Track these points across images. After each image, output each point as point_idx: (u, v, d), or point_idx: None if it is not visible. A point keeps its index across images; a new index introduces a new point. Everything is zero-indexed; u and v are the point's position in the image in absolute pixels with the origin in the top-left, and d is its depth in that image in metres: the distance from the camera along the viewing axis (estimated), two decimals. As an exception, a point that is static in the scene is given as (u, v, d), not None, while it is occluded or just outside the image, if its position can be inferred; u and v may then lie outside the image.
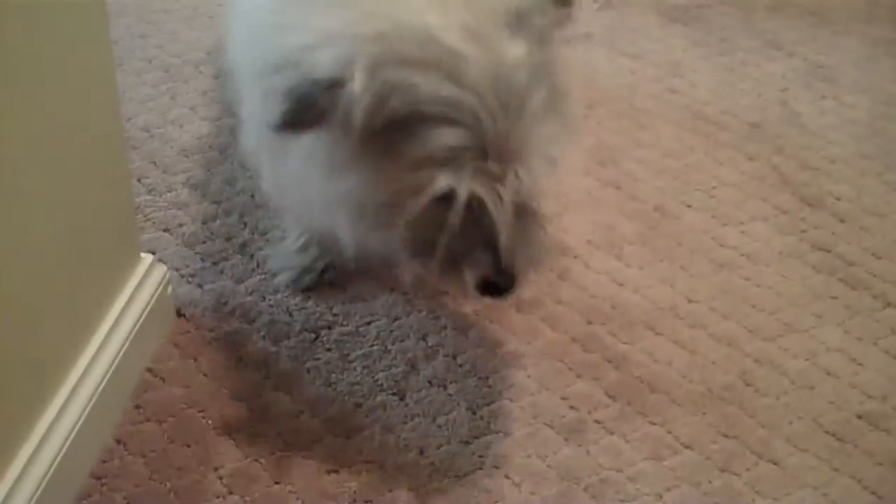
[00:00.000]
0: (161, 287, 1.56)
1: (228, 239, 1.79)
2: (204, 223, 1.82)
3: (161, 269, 1.58)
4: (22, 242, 1.17)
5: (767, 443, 1.49)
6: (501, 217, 1.17)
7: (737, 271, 1.79)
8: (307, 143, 1.21)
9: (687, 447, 1.47)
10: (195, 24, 2.46)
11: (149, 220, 1.82)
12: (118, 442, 1.43)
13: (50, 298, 1.27)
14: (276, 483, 1.39)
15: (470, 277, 1.23)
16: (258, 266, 1.73)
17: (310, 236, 1.67)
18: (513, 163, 1.15)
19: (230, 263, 1.74)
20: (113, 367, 1.41)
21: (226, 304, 1.66)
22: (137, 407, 1.48)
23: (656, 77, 2.37)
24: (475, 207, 1.17)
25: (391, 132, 1.13)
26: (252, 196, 1.88)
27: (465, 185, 1.13)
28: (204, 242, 1.78)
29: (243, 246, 1.77)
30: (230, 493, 1.37)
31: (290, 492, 1.38)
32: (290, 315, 1.64)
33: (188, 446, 1.43)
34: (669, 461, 1.45)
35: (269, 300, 1.67)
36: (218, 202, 1.87)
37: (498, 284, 1.23)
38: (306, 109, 1.10)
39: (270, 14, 1.26)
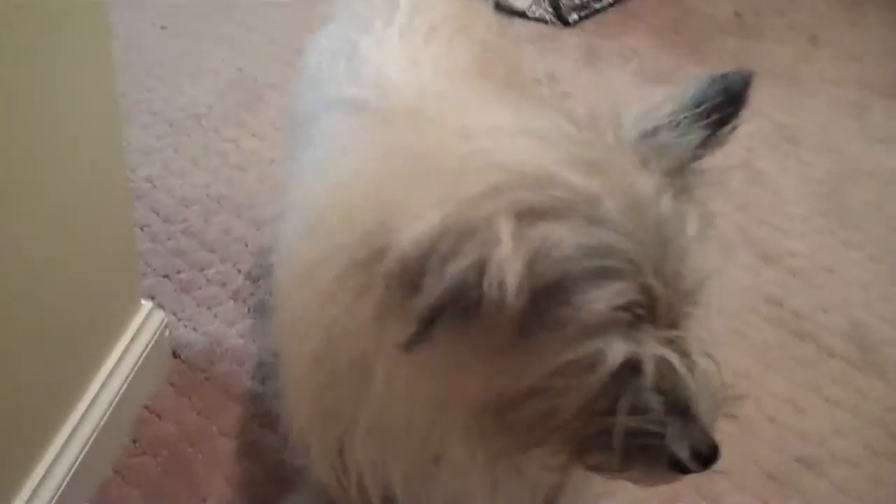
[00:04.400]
0: (159, 331, 1.70)
1: (223, 285, 1.93)
2: (200, 270, 1.96)
3: (159, 315, 1.71)
4: (31, 289, 1.30)
5: (710, 482, 1.62)
6: (697, 382, 0.95)
7: (693, 322, 1.93)
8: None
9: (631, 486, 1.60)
10: (199, 80, 2.61)
11: (149, 266, 1.96)
12: (116, 473, 1.57)
13: (56, 342, 1.40)
14: (261, 514, 1.53)
15: (678, 454, 0.96)
16: (249, 311, 1.88)
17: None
18: (688, 310, 0.94)
19: (223, 308, 1.88)
20: (113, 404, 1.55)
21: (219, 346, 1.80)
22: (135, 441, 1.62)
23: (631, 135, 2.51)
24: (660, 373, 0.93)
25: (539, 304, 0.87)
26: (246, 245, 2.03)
27: (649, 349, 0.91)
28: (200, 288, 1.92)
29: (236, 292, 1.92)
30: (218, 521, 1.51)
31: (273, 522, 1.52)
32: (277, 357, 1.78)
33: (180, 478, 1.57)
34: (617, 495, 1.58)
35: (259, 343, 1.81)
36: (214, 250, 2.01)
37: (703, 456, 0.98)
38: (460, 298, 0.83)
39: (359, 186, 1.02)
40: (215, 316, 1.87)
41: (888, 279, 2.08)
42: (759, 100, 2.64)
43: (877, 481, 1.64)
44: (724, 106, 0.97)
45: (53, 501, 1.39)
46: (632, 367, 0.92)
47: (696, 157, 0.97)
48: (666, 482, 1.01)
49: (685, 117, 0.95)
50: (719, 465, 1.01)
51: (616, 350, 0.89)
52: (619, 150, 0.94)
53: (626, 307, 0.88)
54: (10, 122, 1.17)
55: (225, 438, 1.64)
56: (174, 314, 1.85)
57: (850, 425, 1.74)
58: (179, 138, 2.37)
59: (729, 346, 1.88)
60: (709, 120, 0.96)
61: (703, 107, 0.96)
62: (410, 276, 0.84)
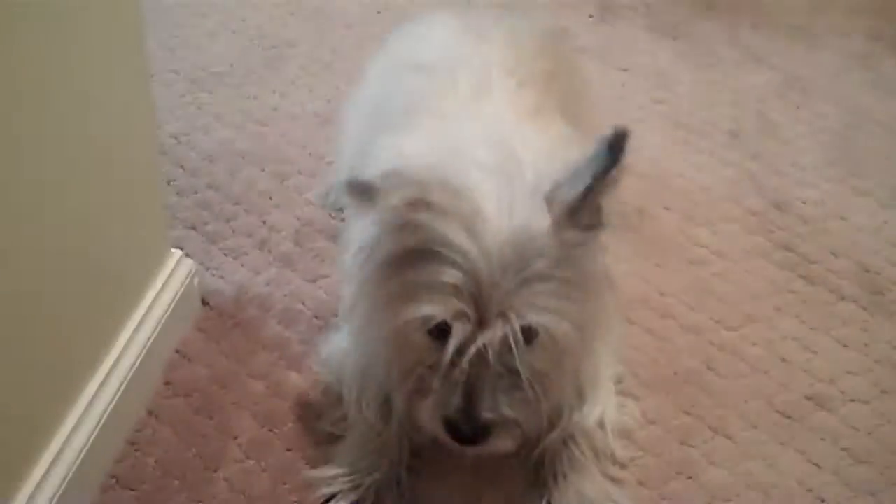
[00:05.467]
0: (188, 279, 1.75)
1: (248, 236, 1.99)
2: (226, 221, 2.02)
3: (188, 263, 1.77)
4: (68, 238, 1.37)
5: (724, 420, 1.67)
6: (472, 360, 1.24)
7: (706, 268, 1.98)
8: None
9: (651, 423, 1.66)
10: (219, 39, 2.67)
11: (177, 218, 2.01)
12: (150, 414, 1.63)
13: (91, 291, 1.47)
14: (288, 450, 1.59)
15: (432, 411, 1.31)
16: (274, 260, 1.93)
17: (370, 437, 1.55)
18: (501, 315, 1.22)
19: (249, 258, 1.94)
20: (146, 348, 1.61)
21: (245, 293, 1.86)
22: (167, 383, 1.68)
23: (644, 88, 2.56)
24: (459, 350, 1.24)
25: (404, 260, 1.25)
26: (270, 198, 2.08)
27: (443, 316, 1.22)
28: (226, 239, 1.98)
29: (262, 242, 1.97)
30: (247, 458, 1.57)
31: (300, 458, 1.57)
32: (303, 304, 1.84)
33: (211, 418, 1.63)
34: (636, 434, 1.64)
35: (284, 290, 1.86)
36: (239, 203, 2.07)
37: (459, 428, 1.29)
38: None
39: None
40: (242, 265, 1.92)
41: (897, 225, 2.13)
42: (771, 52, 2.71)
43: (885, 417, 1.69)
44: (609, 160, 1.22)
45: (91, 438, 1.46)
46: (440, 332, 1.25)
47: (588, 199, 1.24)
48: (441, 438, 1.34)
49: (582, 172, 1.23)
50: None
51: (422, 309, 1.23)
52: (527, 195, 1.24)
53: (451, 289, 1.21)
54: (48, 83, 1.25)
55: (252, 380, 1.70)
56: (202, 264, 1.90)
57: (859, 364, 1.79)
58: (202, 96, 2.42)
59: (741, 290, 1.93)
60: (596, 171, 1.22)
61: (595, 162, 1.22)
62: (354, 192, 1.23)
